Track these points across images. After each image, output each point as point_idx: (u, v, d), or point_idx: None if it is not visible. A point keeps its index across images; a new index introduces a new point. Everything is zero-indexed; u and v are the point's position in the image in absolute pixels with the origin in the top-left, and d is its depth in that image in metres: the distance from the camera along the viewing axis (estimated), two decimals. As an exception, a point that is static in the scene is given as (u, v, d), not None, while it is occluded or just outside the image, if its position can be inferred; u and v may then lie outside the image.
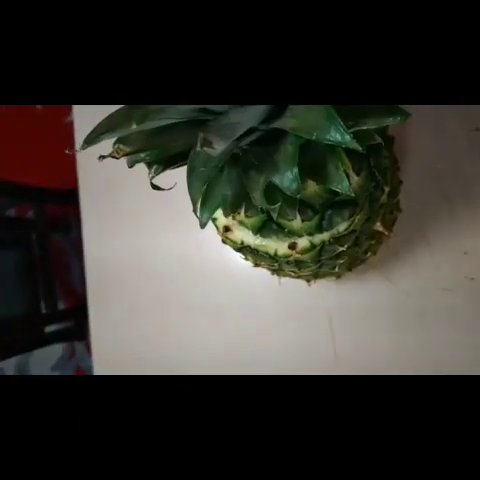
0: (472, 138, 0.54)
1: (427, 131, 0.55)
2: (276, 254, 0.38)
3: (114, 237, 0.65)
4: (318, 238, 0.37)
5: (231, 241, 0.41)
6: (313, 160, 0.28)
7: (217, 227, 0.42)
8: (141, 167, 0.29)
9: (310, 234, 0.37)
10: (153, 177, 0.29)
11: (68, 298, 1.40)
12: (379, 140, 0.29)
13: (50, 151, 1.35)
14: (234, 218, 0.41)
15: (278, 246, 0.38)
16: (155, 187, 0.29)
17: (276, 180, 0.26)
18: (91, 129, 0.25)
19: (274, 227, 0.37)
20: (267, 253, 0.39)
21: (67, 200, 1.19)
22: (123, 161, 0.28)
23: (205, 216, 0.33)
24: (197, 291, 0.61)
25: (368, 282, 0.56)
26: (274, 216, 0.34)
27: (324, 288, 0.54)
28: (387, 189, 0.37)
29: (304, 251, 0.37)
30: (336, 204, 0.35)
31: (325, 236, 0.37)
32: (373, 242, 0.43)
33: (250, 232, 0.40)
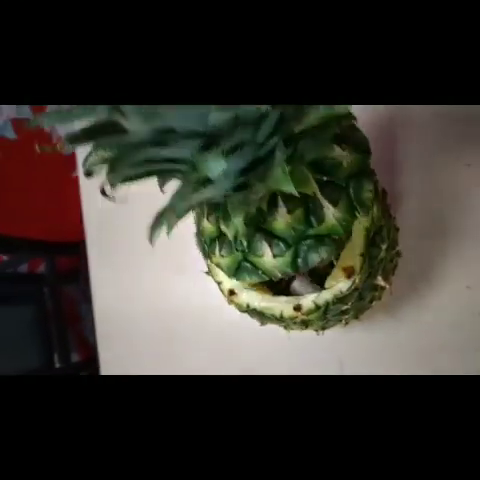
0: (465, 174, 0.55)
1: (418, 171, 0.56)
2: (282, 316, 0.38)
3: (122, 286, 0.66)
4: (321, 299, 0.37)
5: (237, 304, 0.41)
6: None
7: (222, 291, 0.42)
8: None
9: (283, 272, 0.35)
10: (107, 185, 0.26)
11: (81, 349, 1.40)
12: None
13: (58, 205, 1.37)
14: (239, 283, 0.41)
15: (283, 308, 0.38)
16: (103, 192, 0.26)
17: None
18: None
19: (249, 267, 0.34)
20: (273, 315, 0.39)
21: (77, 252, 1.21)
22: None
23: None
24: (203, 338, 0.61)
25: (375, 323, 0.56)
26: (244, 248, 0.32)
27: (332, 334, 0.54)
28: (384, 246, 0.37)
29: (309, 312, 0.37)
30: (311, 238, 0.32)
31: (328, 296, 0.37)
32: (377, 293, 0.43)
33: (255, 295, 0.40)
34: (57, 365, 1.20)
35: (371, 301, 0.45)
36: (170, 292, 0.64)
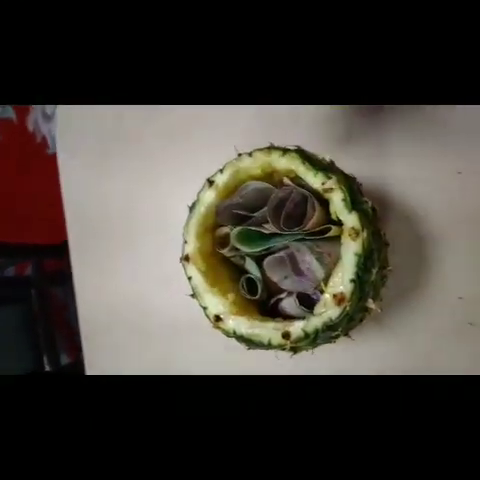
0: (457, 180, 0.53)
1: (408, 177, 0.54)
2: (270, 343, 0.36)
3: (104, 286, 0.64)
4: (311, 326, 0.35)
5: (223, 330, 0.39)
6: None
7: (208, 317, 0.40)
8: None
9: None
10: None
11: (71, 351, 1.37)
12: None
13: (42, 207, 1.33)
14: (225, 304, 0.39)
15: (271, 335, 0.36)
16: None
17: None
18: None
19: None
20: (261, 342, 0.37)
21: (63, 254, 1.17)
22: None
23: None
24: (194, 342, 0.59)
25: (367, 334, 0.55)
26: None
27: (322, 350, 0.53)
28: (375, 269, 0.35)
29: (298, 340, 0.35)
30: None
31: (318, 324, 0.35)
32: (367, 313, 0.41)
33: (242, 321, 0.38)
34: (47, 368, 1.18)
35: (361, 320, 0.44)
36: (150, 295, 0.62)
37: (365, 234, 0.34)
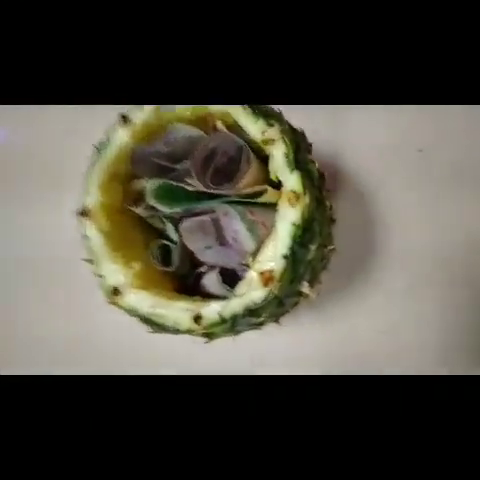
0: (418, 158, 0.48)
1: (366, 150, 0.48)
2: (176, 327, 0.29)
3: None
4: (228, 310, 0.28)
5: (121, 307, 0.31)
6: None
7: (103, 288, 0.31)
8: None
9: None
10: None
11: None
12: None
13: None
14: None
15: (179, 317, 0.29)
16: None
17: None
18: None
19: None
20: (164, 325, 0.29)
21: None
22: None
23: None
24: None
25: (300, 322, 0.49)
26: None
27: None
28: (314, 246, 0.29)
29: (212, 325, 0.28)
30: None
31: (237, 307, 0.28)
32: (301, 298, 0.35)
33: (145, 297, 0.30)
34: None
35: (295, 305, 0.38)
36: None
37: (307, 199, 0.27)
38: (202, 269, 0.34)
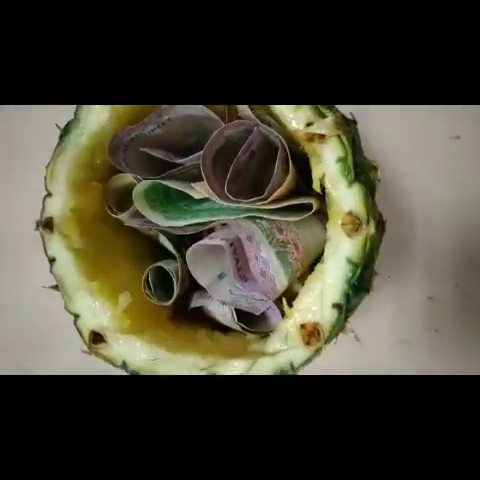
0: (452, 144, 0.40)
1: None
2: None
3: None
4: (255, 372, 0.21)
5: (105, 358, 0.23)
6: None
7: (79, 332, 0.23)
8: None
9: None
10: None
11: None
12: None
13: None
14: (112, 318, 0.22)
15: (187, 374, 0.21)
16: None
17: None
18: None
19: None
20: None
21: None
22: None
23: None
24: None
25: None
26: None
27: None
28: (371, 285, 0.21)
29: (231, 389, 0.21)
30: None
31: (266, 369, 0.21)
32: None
33: (140, 346, 0.22)
34: None
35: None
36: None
37: (372, 229, 0.19)
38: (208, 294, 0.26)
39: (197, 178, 0.24)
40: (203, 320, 0.28)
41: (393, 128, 0.37)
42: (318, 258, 0.24)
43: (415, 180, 0.36)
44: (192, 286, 0.27)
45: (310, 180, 0.24)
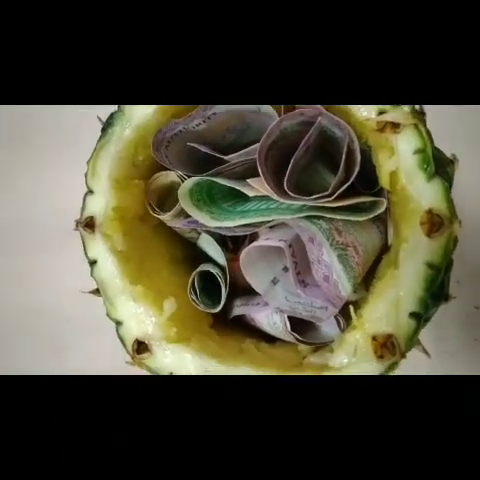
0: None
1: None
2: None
3: None
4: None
5: (149, 369, 0.21)
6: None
7: (122, 340, 0.21)
8: None
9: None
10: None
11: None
12: None
13: None
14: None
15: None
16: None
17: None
18: None
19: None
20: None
21: None
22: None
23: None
24: None
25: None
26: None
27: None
28: (448, 291, 0.19)
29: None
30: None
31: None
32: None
33: (189, 357, 0.20)
34: None
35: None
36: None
37: (456, 228, 0.17)
38: (254, 301, 0.24)
39: (243, 176, 0.23)
40: (245, 329, 0.26)
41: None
42: (373, 265, 0.22)
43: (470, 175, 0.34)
44: (233, 292, 0.25)
45: (366, 178, 0.22)
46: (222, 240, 0.26)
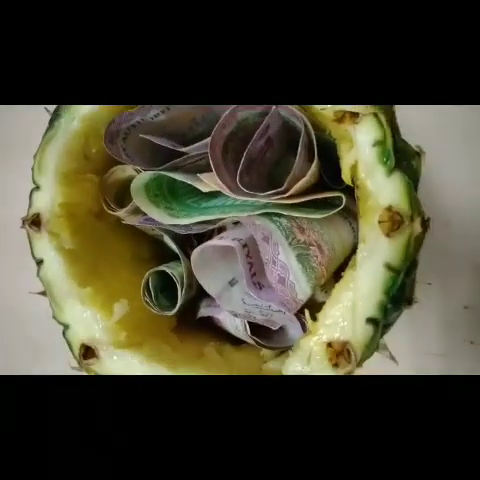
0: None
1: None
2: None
3: None
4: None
5: (97, 374, 0.20)
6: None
7: (69, 343, 0.20)
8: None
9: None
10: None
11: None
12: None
13: None
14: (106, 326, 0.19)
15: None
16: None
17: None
18: None
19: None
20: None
21: None
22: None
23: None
24: None
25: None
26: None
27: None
28: (411, 297, 0.18)
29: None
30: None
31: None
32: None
33: (138, 363, 0.19)
34: None
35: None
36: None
37: (417, 227, 0.15)
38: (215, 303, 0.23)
39: (205, 170, 0.21)
40: (212, 331, 0.25)
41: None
42: (344, 263, 0.21)
43: (457, 173, 0.32)
44: (200, 293, 0.24)
45: (334, 172, 0.21)
46: (187, 238, 0.24)
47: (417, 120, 0.31)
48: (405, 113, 0.20)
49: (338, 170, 0.20)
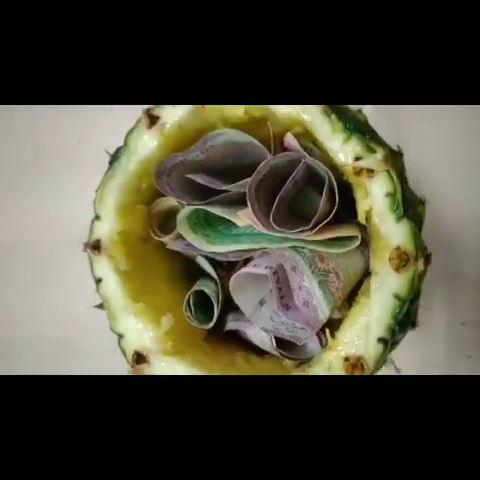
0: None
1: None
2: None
3: None
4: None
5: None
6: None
7: (123, 350, 0.24)
8: None
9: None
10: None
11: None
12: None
13: None
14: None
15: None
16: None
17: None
18: None
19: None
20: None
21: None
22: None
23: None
24: None
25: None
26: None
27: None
28: (416, 319, 0.21)
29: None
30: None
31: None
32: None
33: (182, 369, 0.22)
34: None
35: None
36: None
37: (421, 265, 0.19)
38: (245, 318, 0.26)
39: (236, 203, 0.25)
40: (237, 342, 0.28)
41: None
42: (356, 286, 0.24)
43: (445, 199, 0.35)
44: (226, 307, 0.27)
45: (350, 206, 0.24)
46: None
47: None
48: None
49: (353, 204, 0.23)
